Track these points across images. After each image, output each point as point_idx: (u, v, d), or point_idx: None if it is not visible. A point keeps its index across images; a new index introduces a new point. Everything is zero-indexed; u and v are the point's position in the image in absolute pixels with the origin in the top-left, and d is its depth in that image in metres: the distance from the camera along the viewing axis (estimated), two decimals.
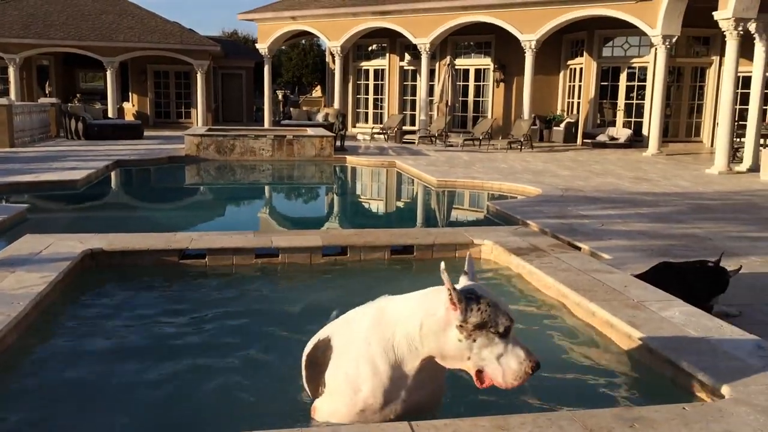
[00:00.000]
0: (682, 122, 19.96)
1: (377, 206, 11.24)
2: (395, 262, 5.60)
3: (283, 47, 34.77)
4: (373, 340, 2.56)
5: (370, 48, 24.30)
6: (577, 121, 20.38)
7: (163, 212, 9.85)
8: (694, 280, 4.64)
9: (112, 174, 12.64)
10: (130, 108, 26.81)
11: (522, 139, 18.14)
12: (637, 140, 18.84)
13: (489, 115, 21.56)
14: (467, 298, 2.40)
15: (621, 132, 19.35)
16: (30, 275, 4.39)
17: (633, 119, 19.84)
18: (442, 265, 2.41)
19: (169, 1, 73.30)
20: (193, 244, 5.43)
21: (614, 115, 20.23)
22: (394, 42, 23.08)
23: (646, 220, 8.00)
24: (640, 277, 4.79)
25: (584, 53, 20.11)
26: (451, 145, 18.62)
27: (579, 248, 6.26)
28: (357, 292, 4.92)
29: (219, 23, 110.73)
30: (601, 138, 19.25)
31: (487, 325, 2.37)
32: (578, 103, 20.66)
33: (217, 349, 3.75)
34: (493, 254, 5.69)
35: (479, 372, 2.43)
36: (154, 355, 3.69)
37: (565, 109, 21.31)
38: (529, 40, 18.75)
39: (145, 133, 20.21)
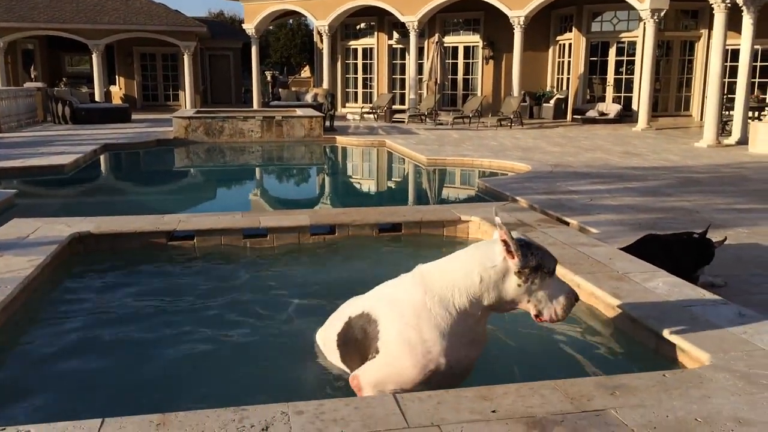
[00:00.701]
0: (672, 96, 19.97)
1: (367, 186, 11.23)
2: (384, 240, 5.62)
3: (271, 27, 34.44)
4: (432, 303, 2.66)
5: (358, 27, 24.10)
6: (566, 97, 20.36)
7: (152, 195, 9.81)
8: (680, 252, 4.68)
9: (101, 158, 12.57)
10: (117, 91, 26.55)
11: (512, 116, 18.12)
12: (627, 115, 18.86)
13: (478, 92, 21.49)
14: (521, 246, 2.63)
15: (610, 107, 19.35)
16: (17, 259, 4.38)
17: (622, 94, 19.83)
18: (498, 219, 2.67)
19: None
20: (181, 226, 5.42)
21: (604, 91, 20.21)
22: (382, 20, 22.89)
23: (634, 194, 8.04)
24: (626, 249, 4.82)
25: (573, 29, 20.03)
26: (441, 124, 18.58)
27: (567, 223, 6.29)
28: (346, 270, 4.97)
29: (205, 4, 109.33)
30: (591, 114, 19.24)
31: (542, 267, 2.65)
32: (568, 79, 20.61)
33: (205, 330, 3.76)
34: (481, 230, 5.71)
35: (538, 313, 2.70)
36: (142, 337, 3.71)
37: (555, 85, 21.26)
38: (517, 16, 18.65)
39: (133, 117, 20.06)
